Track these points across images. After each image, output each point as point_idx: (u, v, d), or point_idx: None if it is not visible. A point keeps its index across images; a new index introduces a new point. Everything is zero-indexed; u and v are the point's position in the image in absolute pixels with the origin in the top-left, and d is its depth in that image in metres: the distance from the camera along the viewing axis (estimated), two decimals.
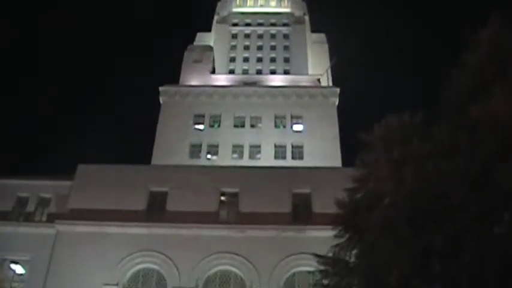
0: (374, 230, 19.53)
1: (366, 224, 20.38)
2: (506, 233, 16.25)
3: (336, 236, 22.81)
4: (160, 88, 74.31)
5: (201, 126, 70.21)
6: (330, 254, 23.24)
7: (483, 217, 16.86)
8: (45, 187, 46.74)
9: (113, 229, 42.13)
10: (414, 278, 18.26)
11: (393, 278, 18.33)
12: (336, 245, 22.84)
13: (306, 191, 44.11)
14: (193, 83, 76.48)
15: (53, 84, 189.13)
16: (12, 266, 42.51)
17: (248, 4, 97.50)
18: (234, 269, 41.20)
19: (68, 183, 45.70)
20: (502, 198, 16.46)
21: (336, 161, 63.04)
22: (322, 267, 23.24)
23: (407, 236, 18.06)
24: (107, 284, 39.83)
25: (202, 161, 65.18)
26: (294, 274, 40.84)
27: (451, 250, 17.19)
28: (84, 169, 46.37)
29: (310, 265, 34.34)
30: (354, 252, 22.32)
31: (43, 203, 46.20)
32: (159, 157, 64.53)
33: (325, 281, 23.09)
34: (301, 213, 43.16)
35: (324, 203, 38.46)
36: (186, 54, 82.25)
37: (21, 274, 42.48)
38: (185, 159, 64.33)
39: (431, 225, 17.90)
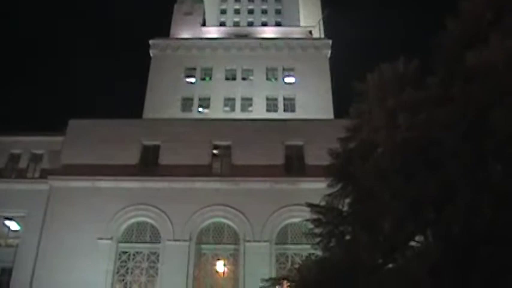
0: (367, 179, 19.47)
1: (359, 173, 20.30)
2: (500, 182, 16.17)
3: (329, 186, 22.67)
4: (151, 41, 73.41)
5: (192, 80, 69.82)
6: (323, 203, 23.22)
7: (477, 166, 16.76)
8: (37, 143, 46.58)
9: (106, 183, 42.21)
10: (407, 224, 18.33)
11: (386, 226, 18.42)
12: (329, 194, 22.75)
13: (299, 143, 44.15)
14: (184, 36, 75.54)
15: (48, 37, 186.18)
16: (7, 222, 42.82)
17: None
18: (227, 221, 41.58)
19: (59, 138, 45.52)
20: (496, 147, 16.32)
21: (328, 114, 63.00)
22: (315, 216, 23.21)
23: (401, 185, 18.01)
24: (101, 238, 40.14)
25: (194, 114, 65.11)
26: (286, 225, 41.26)
27: (445, 198, 17.17)
28: (76, 124, 46.04)
29: (302, 216, 34.53)
30: (347, 201, 22.29)
31: (35, 159, 46.14)
32: (150, 111, 64.28)
33: (317, 230, 23.06)
34: (294, 165, 43.38)
35: (316, 155, 38.63)
36: (176, 6, 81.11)
37: (15, 230, 42.73)
38: (177, 113, 64.16)
39: (424, 173, 17.83)
